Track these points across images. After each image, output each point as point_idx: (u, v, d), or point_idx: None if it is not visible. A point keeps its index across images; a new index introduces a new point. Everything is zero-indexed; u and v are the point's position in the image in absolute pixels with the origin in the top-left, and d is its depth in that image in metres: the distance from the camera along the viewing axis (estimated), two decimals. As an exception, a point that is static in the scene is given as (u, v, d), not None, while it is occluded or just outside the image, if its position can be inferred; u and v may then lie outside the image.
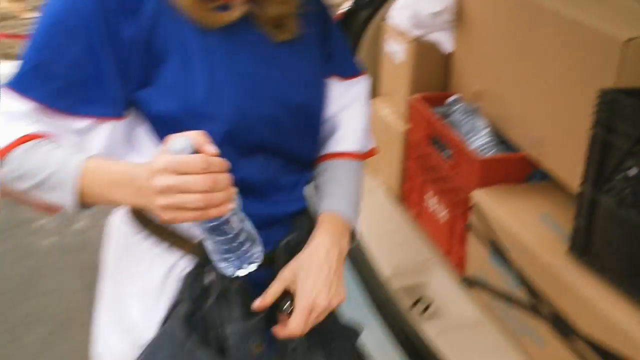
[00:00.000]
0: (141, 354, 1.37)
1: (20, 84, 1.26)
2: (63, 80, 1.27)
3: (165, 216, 1.12)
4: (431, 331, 1.97)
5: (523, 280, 1.90)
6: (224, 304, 1.37)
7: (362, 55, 2.70)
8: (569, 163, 1.96)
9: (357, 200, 1.54)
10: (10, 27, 5.70)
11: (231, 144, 1.33)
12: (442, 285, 2.18)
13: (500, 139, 2.25)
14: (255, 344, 1.38)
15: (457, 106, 2.35)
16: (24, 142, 1.25)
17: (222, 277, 1.35)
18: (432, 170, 2.32)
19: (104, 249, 1.55)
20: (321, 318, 1.33)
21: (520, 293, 1.92)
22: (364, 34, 2.69)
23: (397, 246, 2.31)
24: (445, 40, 2.56)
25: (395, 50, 2.63)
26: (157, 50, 1.28)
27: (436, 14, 2.50)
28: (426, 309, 2.08)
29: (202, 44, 1.31)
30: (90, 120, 1.27)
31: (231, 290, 1.37)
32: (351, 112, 1.61)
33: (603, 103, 1.71)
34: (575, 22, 1.99)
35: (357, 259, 2.25)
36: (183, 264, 1.39)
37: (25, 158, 1.27)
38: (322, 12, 1.56)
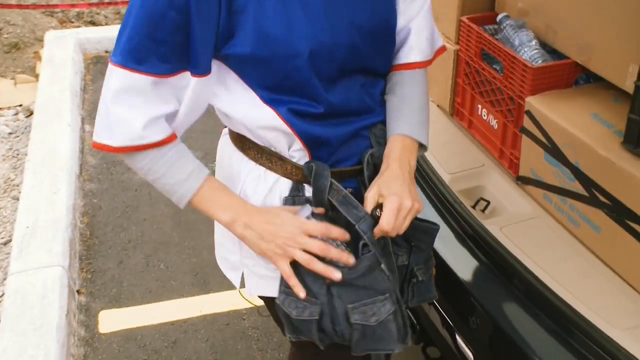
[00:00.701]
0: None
1: (129, 60, 1.27)
2: (168, 46, 1.28)
3: (275, 259, 1.35)
4: (492, 228, 1.89)
5: (578, 175, 1.81)
6: (350, 207, 1.39)
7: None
8: (618, 64, 1.84)
9: (425, 115, 1.59)
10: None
11: (317, 76, 1.31)
12: (498, 186, 2.10)
13: (548, 49, 2.11)
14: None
15: (505, 23, 2.22)
16: (153, 147, 1.33)
17: (316, 187, 1.40)
18: (483, 83, 2.21)
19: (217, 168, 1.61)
20: (408, 219, 1.37)
21: (575, 187, 1.83)
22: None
23: (454, 155, 2.22)
24: None
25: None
26: (236, 3, 1.26)
27: None
28: (485, 207, 2.02)
29: None
30: (187, 81, 1.31)
31: (346, 195, 1.40)
32: (418, 22, 1.55)
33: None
34: None
35: (419, 169, 2.18)
36: (280, 186, 1.44)
37: (153, 161, 1.37)
38: None
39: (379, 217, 1.37)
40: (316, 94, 1.36)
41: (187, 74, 1.30)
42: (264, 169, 1.43)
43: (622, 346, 1.50)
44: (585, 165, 1.79)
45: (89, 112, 4.02)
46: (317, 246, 1.31)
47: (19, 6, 5.20)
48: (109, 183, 3.42)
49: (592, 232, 1.79)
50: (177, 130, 1.39)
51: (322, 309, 1.39)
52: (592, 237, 1.81)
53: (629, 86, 1.77)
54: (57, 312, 2.48)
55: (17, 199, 3.07)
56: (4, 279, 2.64)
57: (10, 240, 2.88)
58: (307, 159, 1.43)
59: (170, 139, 1.35)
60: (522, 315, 1.71)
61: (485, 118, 2.21)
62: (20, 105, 3.98)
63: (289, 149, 1.41)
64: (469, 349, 1.78)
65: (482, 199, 2.05)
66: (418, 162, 2.10)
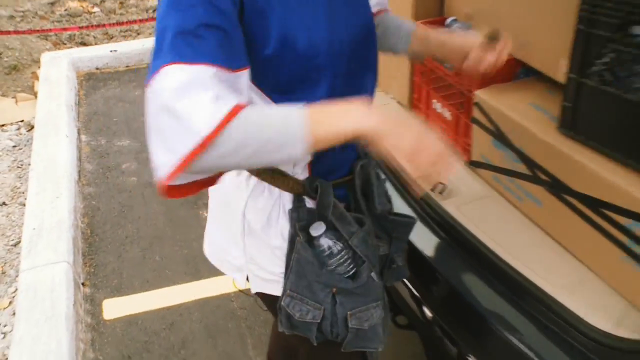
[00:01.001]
0: (287, 275, 1.38)
1: (187, 55, 1.07)
2: (222, 37, 1.12)
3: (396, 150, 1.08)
4: (449, 207, 1.92)
5: (522, 157, 1.86)
6: (345, 223, 1.36)
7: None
8: (551, 59, 1.89)
9: None
10: (84, 20, 5.57)
11: (332, 75, 1.26)
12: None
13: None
14: (372, 243, 1.43)
15: (454, 26, 2.27)
16: (236, 114, 1.07)
17: (322, 203, 1.35)
18: (436, 80, 2.26)
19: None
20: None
21: (519, 167, 1.87)
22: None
23: None
24: None
25: None
26: (258, 7, 1.15)
27: None
28: (442, 190, 2.03)
29: None
30: (242, 71, 1.14)
31: (342, 212, 1.37)
32: None
33: (585, 3, 1.63)
34: None
35: (385, 162, 2.13)
36: (283, 199, 1.37)
37: (245, 125, 1.08)
38: None
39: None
40: (326, 94, 1.27)
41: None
42: (266, 184, 1.36)
43: (557, 299, 1.57)
44: (527, 148, 1.84)
45: (84, 123, 4.02)
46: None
47: (16, 32, 5.17)
48: (105, 186, 3.43)
49: (535, 206, 1.84)
50: None
51: (325, 314, 1.37)
52: (535, 210, 1.85)
53: (560, 77, 1.81)
54: (65, 303, 2.50)
55: (24, 205, 3.08)
56: (16, 276, 2.65)
57: (19, 242, 2.89)
58: (306, 173, 1.37)
59: (244, 104, 1.11)
60: (477, 281, 1.73)
61: (439, 111, 2.25)
62: (22, 121, 3.97)
63: (293, 166, 1.35)
64: (434, 315, 1.81)
65: (439, 182, 2.03)
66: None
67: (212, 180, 1.19)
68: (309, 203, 1.37)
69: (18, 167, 3.52)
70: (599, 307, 1.57)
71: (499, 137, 1.92)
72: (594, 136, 1.68)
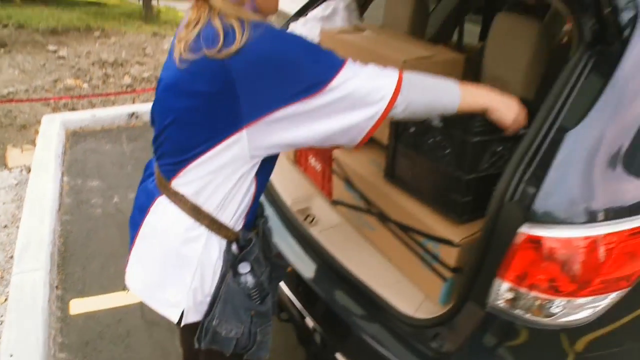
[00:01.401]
0: (217, 303, 1.28)
1: (336, 63, 1.12)
2: None
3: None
4: (315, 232, 1.95)
5: (362, 196, 1.91)
6: (259, 264, 1.34)
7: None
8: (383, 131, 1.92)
9: None
10: (76, 92, 5.55)
11: None
12: (320, 206, 2.14)
13: None
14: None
15: None
16: (401, 74, 1.18)
17: (250, 251, 1.31)
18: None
19: (156, 224, 1.30)
20: None
21: (361, 203, 1.92)
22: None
23: (295, 188, 2.24)
24: None
25: None
26: None
27: None
28: (312, 220, 2.06)
29: None
30: None
31: (259, 256, 1.34)
32: None
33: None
34: (375, 51, 1.89)
35: (272, 198, 2.18)
36: (220, 243, 1.28)
37: (415, 81, 1.21)
38: None
39: None
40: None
41: None
42: (211, 233, 1.25)
43: (382, 296, 1.63)
44: (365, 190, 1.89)
45: (67, 168, 3.98)
46: None
47: (28, 100, 5.17)
48: (78, 215, 3.40)
49: (370, 231, 1.90)
50: None
51: (244, 330, 1.32)
52: (370, 233, 1.90)
53: (385, 142, 1.83)
54: (42, 300, 2.50)
55: (19, 227, 3.05)
56: (10, 279, 2.65)
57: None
58: (241, 223, 1.32)
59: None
60: (331, 284, 1.77)
61: (313, 164, 2.25)
62: (24, 165, 3.94)
63: (233, 216, 1.27)
64: (306, 312, 1.81)
65: (309, 214, 2.08)
66: (272, 193, 2.18)
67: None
68: (234, 247, 1.32)
69: (18, 199, 3.47)
70: (407, 299, 1.63)
71: (349, 183, 1.97)
72: (404, 182, 1.75)
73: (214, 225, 1.25)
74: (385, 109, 1.15)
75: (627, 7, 1.29)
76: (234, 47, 1.03)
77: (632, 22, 1.28)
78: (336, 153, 2.02)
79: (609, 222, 1.23)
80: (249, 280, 1.32)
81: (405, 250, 1.71)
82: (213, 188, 1.21)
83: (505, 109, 1.33)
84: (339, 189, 2.05)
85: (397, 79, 1.17)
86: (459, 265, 1.53)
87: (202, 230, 1.25)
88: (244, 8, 1.13)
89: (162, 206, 1.27)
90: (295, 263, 1.86)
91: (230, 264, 1.30)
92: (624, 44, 1.27)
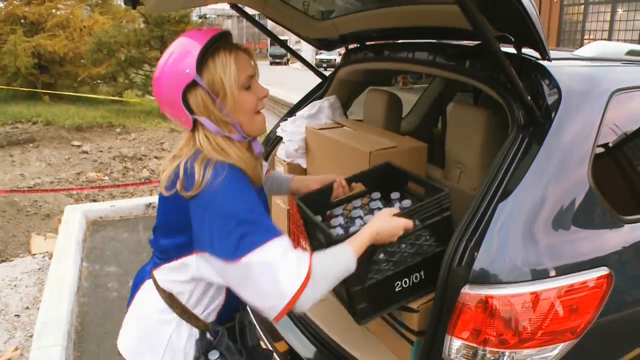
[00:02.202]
0: None
1: (262, 237, 1.15)
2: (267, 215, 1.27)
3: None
4: None
5: None
6: (230, 353, 1.40)
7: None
8: None
9: None
10: (97, 184, 5.86)
11: None
12: None
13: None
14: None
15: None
16: (310, 262, 1.18)
17: (219, 341, 1.39)
18: (301, 227, 2.30)
19: (142, 301, 1.44)
20: None
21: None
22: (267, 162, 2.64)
23: None
24: (302, 162, 2.55)
25: (280, 169, 2.64)
26: None
27: (296, 150, 2.50)
28: None
29: None
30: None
31: (230, 346, 1.41)
32: None
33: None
34: (347, 144, 2.11)
35: None
36: (194, 331, 1.38)
37: (322, 269, 1.20)
38: None
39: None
40: None
41: None
42: (182, 321, 1.37)
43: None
44: None
45: (86, 254, 4.19)
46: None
47: (53, 190, 5.51)
48: (95, 298, 3.56)
49: None
50: None
51: None
52: None
53: None
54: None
55: (39, 309, 3.21)
56: (29, 356, 2.78)
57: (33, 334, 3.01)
58: (214, 316, 1.42)
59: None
60: (320, 353, 1.88)
61: (303, 245, 2.32)
62: (47, 252, 4.16)
63: (204, 311, 1.39)
64: None
65: None
66: None
67: None
68: (209, 335, 1.41)
69: (40, 283, 3.66)
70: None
71: None
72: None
73: (185, 314, 1.37)
74: (288, 304, 1.15)
75: (551, 92, 1.54)
76: (192, 192, 1.19)
77: (557, 103, 1.52)
78: None
79: (546, 279, 1.39)
80: None
81: (380, 319, 1.81)
82: (187, 287, 1.36)
83: (387, 231, 1.42)
84: None
85: (302, 280, 1.15)
86: (422, 329, 1.65)
87: (174, 316, 1.37)
88: (227, 141, 1.28)
89: (148, 287, 1.43)
90: (284, 333, 1.99)
91: (203, 350, 1.38)
92: (551, 122, 1.49)
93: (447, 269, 1.47)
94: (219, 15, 35.67)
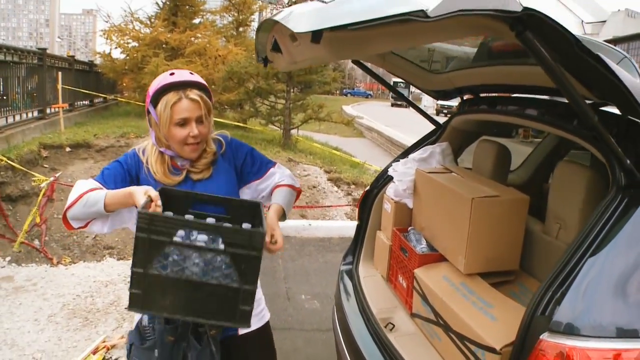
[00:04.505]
0: None
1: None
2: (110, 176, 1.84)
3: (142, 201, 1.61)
4: (392, 337, 2.26)
5: (433, 309, 2.20)
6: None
7: (374, 208, 2.97)
8: (456, 255, 2.26)
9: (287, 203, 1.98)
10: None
11: None
12: (401, 317, 2.47)
13: (430, 245, 2.51)
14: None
15: (411, 232, 2.66)
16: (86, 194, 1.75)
17: None
18: (400, 262, 2.63)
19: None
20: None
21: (430, 316, 2.21)
22: (376, 199, 2.97)
23: (383, 300, 2.58)
24: (409, 202, 2.72)
25: (387, 207, 2.83)
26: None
27: (404, 190, 2.68)
28: (392, 328, 2.35)
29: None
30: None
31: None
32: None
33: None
34: (452, 189, 2.27)
35: (362, 307, 2.53)
36: None
37: (87, 199, 1.74)
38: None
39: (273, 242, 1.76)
40: None
41: None
42: None
43: None
44: (435, 303, 2.16)
45: None
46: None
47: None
48: None
49: (438, 341, 2.15)
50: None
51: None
52: (438, 343, 2.16)
53: (460, 266, 2.20)
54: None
55: None
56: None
57: None
58: None
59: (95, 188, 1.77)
60: None
61: (401, 282, 2.58)
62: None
63: None
64: None
65: (390, 322, 2.36)
66: (362, 303, 2.59)
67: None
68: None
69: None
70: None
71: (424, 298, 2.28)
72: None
73: None
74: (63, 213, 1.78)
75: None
76: None
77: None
78: (416, 271, 2.40)
79: (630, 339, 1.48)
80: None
81: (462, 359, 1.96)
82: None
83: (139, 192, 1.67)
84: (417, 303, 2.36)
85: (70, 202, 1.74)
86: None
87: None
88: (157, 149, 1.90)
89: None
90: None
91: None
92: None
93: (531, 315, 1.61)
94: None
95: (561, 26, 1.28)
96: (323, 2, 1.30)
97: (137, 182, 1.85)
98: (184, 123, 1.81)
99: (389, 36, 1.43)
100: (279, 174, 2.05)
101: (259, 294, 2.05)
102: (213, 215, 1.76)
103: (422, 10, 1.11)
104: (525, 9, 1.21)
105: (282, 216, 1.97)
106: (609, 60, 1.40)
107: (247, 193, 2.04)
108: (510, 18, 1.25)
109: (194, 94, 1.82)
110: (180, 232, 1.57)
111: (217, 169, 1.95)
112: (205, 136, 1.88)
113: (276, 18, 1.48)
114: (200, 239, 1.57)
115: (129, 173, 1.88)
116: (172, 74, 1.84)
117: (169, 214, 1.63)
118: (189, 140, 1.83)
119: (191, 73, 1.87)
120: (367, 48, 1.49)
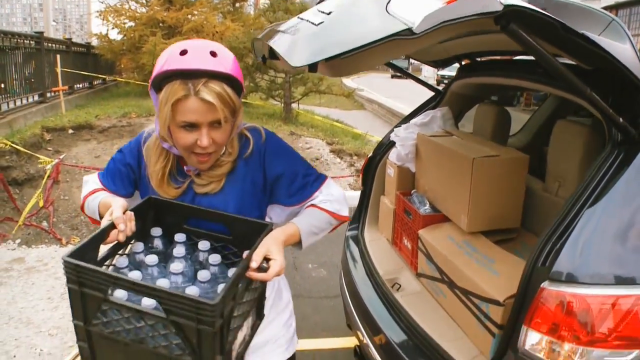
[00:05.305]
0: None
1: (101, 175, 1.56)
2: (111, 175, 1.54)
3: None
4: (398, 296, 2.32)
5: (438, 268, 2.26)
6: None
7: (377, 174, 3.02)
8: (458, 214, 2.31)
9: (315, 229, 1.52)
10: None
11: None
12: (406, 277, 2.54)
13: (433, 206, 2.56)
14: None
15: (414, 195, 2.70)
16: (93, 194, 1.52)
17: None
18: (404, 225, 2.67)
19: None
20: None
21: (434, 274, 2.28)
22: (379, 165, 3.02)
23: (388, 262, 2.64)
24: (411, 166, 2.78)
25: (390, 171, 2.88)
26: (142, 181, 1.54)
27: (406, 154, 2.74)
28: (399, 288, 2.42)
29: None
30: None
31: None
32: None
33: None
34: (453, 151, 2.32)
35: (369, 270, 2.59)
36: None
37: (87, 204, 1.52)
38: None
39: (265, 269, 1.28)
40: None
41: None
42: None
43: (446, 349, 1.95)
44: (440, 262, 2.22)
45: None
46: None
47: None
48: None
49: (443, 298, 2.22)
50: None
51: None
52: (443, 300, 2.23)
53: (463, 225, 2.26)
54: None
55: None
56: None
57: None
58: None
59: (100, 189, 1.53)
60: (407, 338, 2.09)
61: (406, 244, 2.63)
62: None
63: None
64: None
65: (396, 283, 2.44)
66: (369, 266, 2.63)
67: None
68: None
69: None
70: (463, 352, 1.95)
71: (428, 257, 2.34)
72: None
73: None
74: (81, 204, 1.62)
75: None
76: None
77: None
78: (420, 232, 2.46)
79: (627, 285, 1.55)
80: None
81: (466, 312, 2.04)
82: None
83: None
84: (422, 262, 2.44)
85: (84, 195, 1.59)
86: (504, 323, 1.85)
87: None
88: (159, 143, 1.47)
89: None
90: (379, 321, 2.26)
91: None
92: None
93: (532, 266, 1.68)
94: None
95: (543, 14, 1.30)
96: (313, 24, 1.28)
97: (140, 179, 1.55)
98: (190, 127, 1.33)
99: (382, 53, 1.46)
100: (323, 195, 1.56)
101: (288, 305, 1.76)
102: (212, 234, 1.46)
103: (408, 29, 1.13)
104: (506, 6, 1.23)
105: (298, 243, 1.49)
106: (594, 36, 1.43)
107: (277, 213, 1.59)
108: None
109: (208, 90, 1.28)
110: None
111: (233, 178, 1.49)
112: (222, 145, 1.40)
113: (271, 44, 1.40)
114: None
115: (131, 169, 1.54)
116: (184, 52, 1.29)
117: (139, 244, 1.39)
118: (196, 149, 1.37)
119: (213, 54, 1.30)
120: (362, 65, 1.53)
